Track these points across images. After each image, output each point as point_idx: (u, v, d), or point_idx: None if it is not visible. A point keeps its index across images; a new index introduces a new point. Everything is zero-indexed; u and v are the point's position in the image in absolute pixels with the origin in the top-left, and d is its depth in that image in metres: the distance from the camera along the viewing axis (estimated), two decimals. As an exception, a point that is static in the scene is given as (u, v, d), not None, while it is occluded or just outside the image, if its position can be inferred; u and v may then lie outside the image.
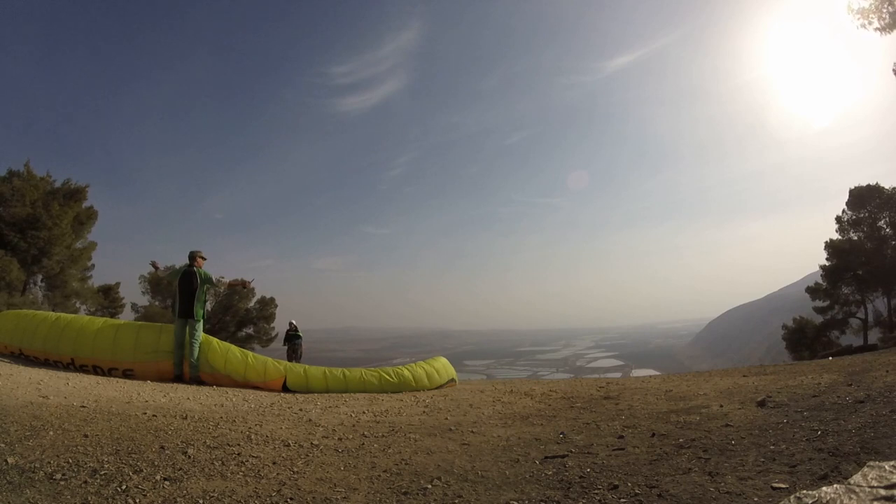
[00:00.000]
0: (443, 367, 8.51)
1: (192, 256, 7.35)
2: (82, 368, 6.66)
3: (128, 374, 6.67)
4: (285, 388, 6.90)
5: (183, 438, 3.37)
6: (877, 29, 10.18)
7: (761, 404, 4.59)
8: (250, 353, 7.28)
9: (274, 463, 3.02)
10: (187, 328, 6.96)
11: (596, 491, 2.61)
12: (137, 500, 2.34)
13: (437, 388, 7.94)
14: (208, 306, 7.05)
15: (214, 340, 7.23)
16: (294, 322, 14.01)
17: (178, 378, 6.71)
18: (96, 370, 6.66)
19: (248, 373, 6.93)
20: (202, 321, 7.10)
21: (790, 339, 26.48)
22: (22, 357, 6.90)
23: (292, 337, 13.81)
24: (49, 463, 2.69)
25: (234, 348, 7.25)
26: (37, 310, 14.35)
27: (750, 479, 2.64)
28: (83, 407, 4.11)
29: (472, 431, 4.16)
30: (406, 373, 7.78)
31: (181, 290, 7.09)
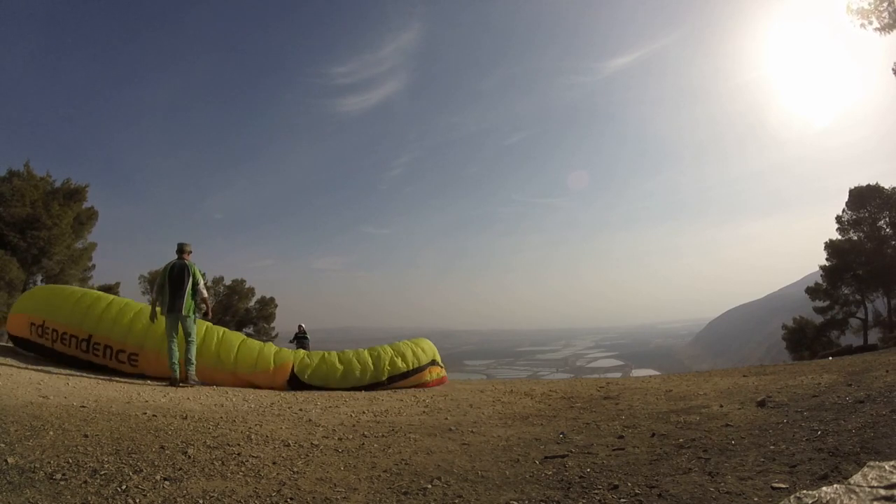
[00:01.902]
0: (429, 346, 8.67)
1: (182, 249, 6.93)
2: (95, 347, 6.96)
3: (132, 360, 6.90)
4: (291, 384, 7.09)
5: (183, 438, 3.37)
6: (876, 29, 10.17)
7: (761, 404, 4.59)
8: (258, 344, 7.64)
9: (274, 463, 3.02)
10: (179, 325, 6.61)
11: (596, 491, 2.60)
12: (137, 500, 2.34)
13: (425, 369, 8.11)
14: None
15: (223, 330, 7.60)
16: (303, 325, 15.02)
17: (175, 381, 6.36)
18: (106, 350, 6.93)
19: (258, 361, 7.19)
20: (194, 316, 6.74)
21: (790, 340, 26.50)
22: (41, 329, 7.15)
23: (301, 338, 14.71)
24: (49, 463, 2.69)
25: (249, 340, 7.60)
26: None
27: (750, 479, 2.64)
28: (83, 407, 4.11)
29: (472, 431, 4.16)
30: (396, 358, 7.98)
31: (171, 283, 6.66)
